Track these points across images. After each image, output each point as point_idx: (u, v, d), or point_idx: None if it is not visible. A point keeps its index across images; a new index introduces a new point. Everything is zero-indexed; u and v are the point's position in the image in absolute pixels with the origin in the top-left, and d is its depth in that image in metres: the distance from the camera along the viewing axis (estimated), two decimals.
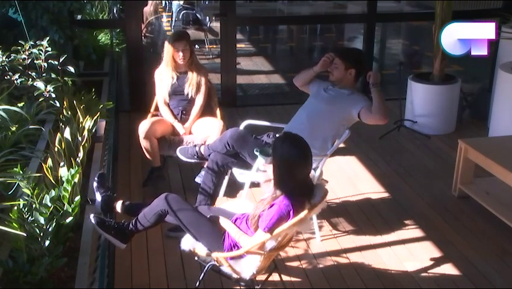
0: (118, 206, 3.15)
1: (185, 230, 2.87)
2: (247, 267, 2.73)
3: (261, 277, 3.07)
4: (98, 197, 3.12)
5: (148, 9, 9.22)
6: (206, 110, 4.35)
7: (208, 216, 2.92)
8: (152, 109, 4.40)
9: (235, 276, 2.78)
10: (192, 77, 4.20)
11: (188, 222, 2.84)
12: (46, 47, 4.22)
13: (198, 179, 3.99)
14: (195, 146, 3.92)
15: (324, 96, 3.79)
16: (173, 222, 2.96)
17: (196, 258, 2.94)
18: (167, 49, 4.18)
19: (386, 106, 3.59)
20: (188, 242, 2.90)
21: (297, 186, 2.65)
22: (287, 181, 2.64)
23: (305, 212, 2.62)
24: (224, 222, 2.80)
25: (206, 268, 2.88)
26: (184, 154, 3.91)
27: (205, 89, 4.26)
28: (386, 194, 4.40)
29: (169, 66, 4.20)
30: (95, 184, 3.14)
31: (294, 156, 2.62)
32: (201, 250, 2.84)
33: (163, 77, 4.24)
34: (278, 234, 2.62)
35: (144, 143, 4.09)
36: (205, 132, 4.12)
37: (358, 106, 3.60)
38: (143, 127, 4.06)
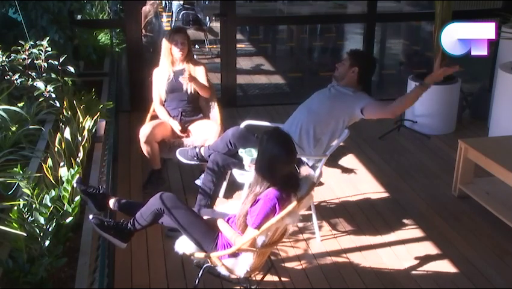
0: (111, 203, 3.13)
1: (180, 229, 2.87)
2: (241, 265, 2.73)
3: (259, 278, 3.08)
4: (88, 199, 3.08)
5: (147, 8, 9.22)
6: (206, 111, 4.35)
7: (205, 217, 2.92)
8: (151, 110, 4.38)
9: (230, 274, 2.78)
10: (190, 71, 4.19)
11: (182, 221, 2.84)
12: (46, 47, 4.21)
13: (198, 182, 3.98)
14: (195, 147, 3.92)
15: (328, 93, 3.80)
16: (169, 224, 2.96)
17: (194, 262, 2.94)
18: (165, 43, 4.19)
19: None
20: (182, 245, 2.90)
21: (278, 181, 2.65)
22: (267, 176, 2.65)
23: (293, 204, 2.62)
24: (221, 224, 2.80)
25: (202, 270, 2.88)
26: (183, 156, 3.91)
27: (205, 81, 4.24)
28: (386, 194, 4.40)
29: (166, 61, 4.20)
30: (78, 190, 3.00)
31: (276, 152, 2.63)
32: (196, 252, 2.84)
33: (160, 76, 4.24)
34: (267, 229, 2.62)
35: (145, 148, 4.08)
36: (203, 135, 4.11)
37: (361, 102, 3.60)
38: (144, 132, 4.05)
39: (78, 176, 2.96)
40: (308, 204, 2.81)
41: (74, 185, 2.93)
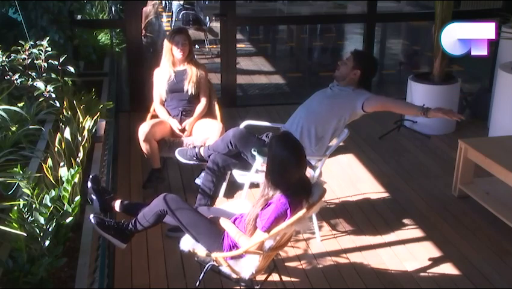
0: (117, 205, 3.15)
1: (184, 231, 2.87)
2: (246, 267, 2.73)
3: (261, 278, 3.08)
4: (95, 198, 3.10)
5: (148, 9, 9.23)
6: (206, 111, 4.34)
7: (208, 217, 2.92)
8: (151, 110, 4.38)
9: (234, 276, 2.78)
10: (192, 73, 4.19)
11: (187, 222, 2.84)
12: (46, 47, 4.22)
13: (198, 181, 3.98)
14: (194, 147, 3.91)
15: (329, 92, 3.80)
16: (172, 223, 2.96)
17: (196, 258, 2.94)
18: (166, 43, 4.19)
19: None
20: (187, 243, 2.90)
21: (290, 186, 2.64)
22: (279, 181, 2.65)
23: (303, 210, 2.62)
24: (224, 222, 2.80)
25: (205, 268, 2.88)
26: (182, 156, 3.90)
27: (206, 87, 4.25)
28: (386, 194, 4.40)
29: (167, 62, 4.20)
30: (90, 186, 3.09)
31: (286, 157, 2.62)
32: (200, 250, 2.84)
33: (161, 76, 4.24)
34: (276, 233, 2.61)
35: (144, 146, 4.07)
36: (204, 133, 4.11)
37: (362, 97, 3.61)
38: (143, 130, 4.04)
39: (94, 174, 3.08)
40: (317, 210, 2.81)
41: (89, 182, 3.02)
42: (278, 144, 2.65)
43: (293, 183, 2.64)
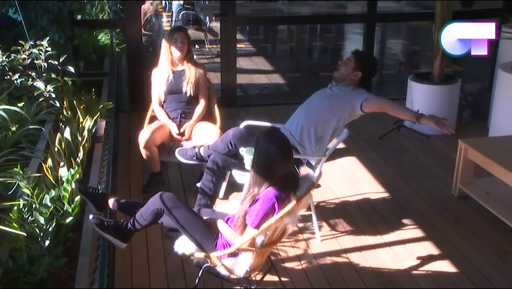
0: (111, 202, 3.12)
1: (180, 229, 2.87)
2: (241, 265, 2.73)
3: (259, 277, 3.08)
4: (87, 200, 3.06)
5: (146, 6, 9.23)
6: (206, 113, 4.32)
7: (204, 217, 2.93)
8: (149, 112, 4.34)
9: (229, 274, 2.78)
10: (190, 74, 4.17)
11: (182, 221, 2.84)
12: (46, 47, 4.22)
13: (200, 184, 3.98)
14: (194, 147, 3.91)
15: (328, 92, 3.80)
16: (168, 224, 2.96)
17: (193, 262, 2.94)
18: (165, 42, 4.16)
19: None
20: (182, 245, 2.90)
21: (278, 181, 2.65)
22: (266, 176, 2.65)
23: (292, 204, 2.62)
24: (221, 225, 2.80)
25: (201, 270, 2.88)
26: (182, 155, 3.90)
27: (205, 88, 4.24)
28: (386, 194, 4.40)
29: (166, 61, 4.17)
30: (78, 190, 3.00)
31: (274, 152, 2.62)
32: (196, 252, 2.84)
33: (159, 76, 4.22)
34: (266, 228, 2.61)
35: (144, 152, 4.06)
36: (203, 138, 4.07)
37: (361, 97, 3.60)
38: (143, 136, 4.02)
39: (77, 176, 2.96)
40: (307, 204, 2.82)
41: (73, 186, 2.94)
42: (265, 140, 2.66)
43: (280, 178, 2.65)
